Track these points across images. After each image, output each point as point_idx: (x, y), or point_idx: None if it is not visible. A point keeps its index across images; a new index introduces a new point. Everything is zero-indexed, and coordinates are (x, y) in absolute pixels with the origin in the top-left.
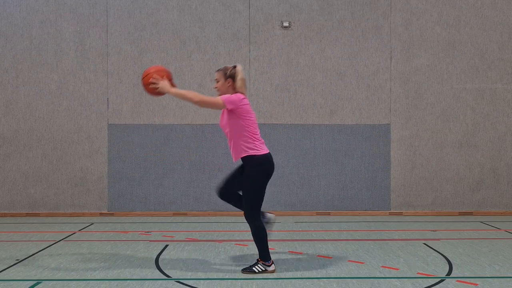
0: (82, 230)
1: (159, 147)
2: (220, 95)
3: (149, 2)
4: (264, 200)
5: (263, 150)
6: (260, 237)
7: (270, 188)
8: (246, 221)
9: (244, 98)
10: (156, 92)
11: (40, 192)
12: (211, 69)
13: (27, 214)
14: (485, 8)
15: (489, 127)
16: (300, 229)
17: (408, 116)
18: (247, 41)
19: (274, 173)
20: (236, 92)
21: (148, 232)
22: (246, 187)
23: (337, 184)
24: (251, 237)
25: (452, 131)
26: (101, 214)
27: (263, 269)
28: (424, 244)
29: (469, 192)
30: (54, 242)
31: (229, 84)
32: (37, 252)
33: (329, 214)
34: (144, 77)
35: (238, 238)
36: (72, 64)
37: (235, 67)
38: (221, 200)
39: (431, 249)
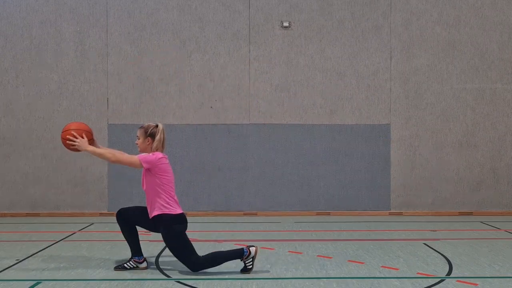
0: (82, 230)
1: None
2: (140, 151)
3: (149, 2)
4: (265, 200)
5: (177, 210)
6: (216, 261)
7: (270, 188)
8: (196, 272)
9: (162, 157)
10: (73, 149)
11: (40, 192)
12: (211, 69)
13: (27, 214)
14: (485, 8)
15: (489, 127)
16: (300, 229)
17: (408, 116)
18: (247, 41)
19: (274, 173)
20: (155, 151)
21: (148, 232)
22: (173, 246)
23: (337, 184)
24: (251, 237)
25: (452, 131)
26: (101, 214)
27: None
28: (424, 244)
29: (469, 192)
30: (54, 242)
31: (148, 143)
32: (37, 252)
33: (329, 214)
34: (63, 132)
35: (238, 238)
36: (72, 64)
37: (156, 126)
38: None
39: (431, 249)
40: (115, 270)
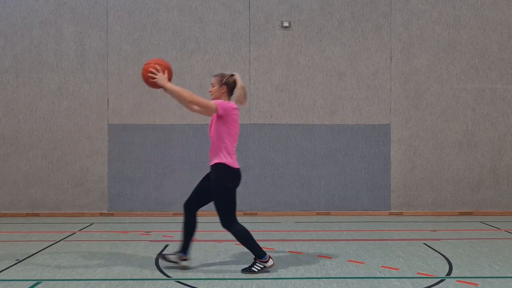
0: (82, 230)
1: (159, 147)
2: (212, 99)
3: (149, 2)
4: (266, 200)
5: (235, 164)
6: (245, 239)
7: (271, 188)
8: (225, 229)
9: (236, 109)
10: (152, 82)
11: (40, 192)
12: (211, 69)
13: (27, 214)
14: (485, 8)
15: (489, 127)
16: (300, 229)
17: (408, 116)
18: (247, 41)
19: (275, 173)
20: (230, 100)
21: (148, 232)
22: (216, 195)
23: (337, 184)
24: None
25: (452, 131)
26: (101, 214)
27: (262, 266)
28: (424, 244)
29: (469, 192)
30: (54, 242)
31: (223, 91)
32: (37, 252)
33: (329, 214)
34: (146, 64)
35: None
36: (72, 64)
37: (232, 75)
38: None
39: (431, 249)
40: (242, 272)
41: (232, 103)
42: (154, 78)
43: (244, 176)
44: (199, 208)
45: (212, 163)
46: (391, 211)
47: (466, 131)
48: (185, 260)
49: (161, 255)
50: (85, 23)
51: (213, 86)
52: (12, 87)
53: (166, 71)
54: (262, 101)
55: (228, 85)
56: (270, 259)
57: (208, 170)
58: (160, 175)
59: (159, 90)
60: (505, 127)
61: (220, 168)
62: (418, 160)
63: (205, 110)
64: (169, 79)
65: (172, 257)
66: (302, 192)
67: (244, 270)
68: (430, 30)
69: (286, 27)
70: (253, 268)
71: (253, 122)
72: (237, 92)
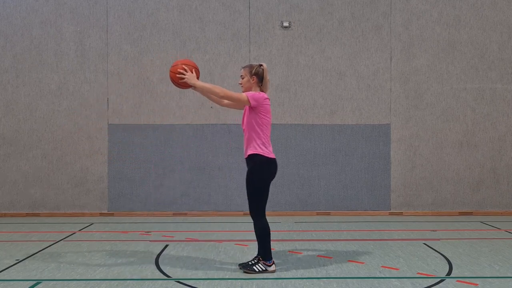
0: (82, 230)
1: (159, 147)
2: (244, 91)
3: (149, 2)
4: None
5: (271, 154)
6: (264, 236)
7: (271, 188)
8: (251, 219)
9: (267, 99)
10: (182, 82)
11: (40, 192)
12: (211, 69)
13: (27, 214)
14: (485, 8)
15: (489, 127)
16: (300, 229)
17: (408, 116)
18: (247, 41)
19: None
20: (260, 91)
21: (148, 232)
22: (249, 185)
23: (337, 184)
24: (251, 237)
25: (452, 131)
26: (101, 214)
27: (264, 268)
28: (424, 244)
29: (469, 192)
30: (54, 242)
31: (253, 81)
32: (37, 252)
33: (329, 214)
34: (173, 66)
35: (238, 238)
36: (72, 64)
37: (261, 65)
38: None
39: (431, 249)
40: (243, 271)
41: (263, 93)
42: (183, 79)
43: (244, 176)
44: (265, 207)
45: (247, 154)
46: (391, 211)
47: (466, 131)
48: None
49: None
50: (85, 23)
51: (243, 78)
52: (12, 87)
53: (194, 70)
54: None
55: (258, 75)
56: (274, 264)
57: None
58: (160, 175)
59: (159, 91)
60: (505, 127)
61: (255, 159)
62: (418, 160)
63: (237, 103)
64: (197, 78)
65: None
66: (302, 192)
67: (244, 267)
68: (430, 30)
69: (286, 27)
70: (254, 267)
71: None
72: (264, 84)
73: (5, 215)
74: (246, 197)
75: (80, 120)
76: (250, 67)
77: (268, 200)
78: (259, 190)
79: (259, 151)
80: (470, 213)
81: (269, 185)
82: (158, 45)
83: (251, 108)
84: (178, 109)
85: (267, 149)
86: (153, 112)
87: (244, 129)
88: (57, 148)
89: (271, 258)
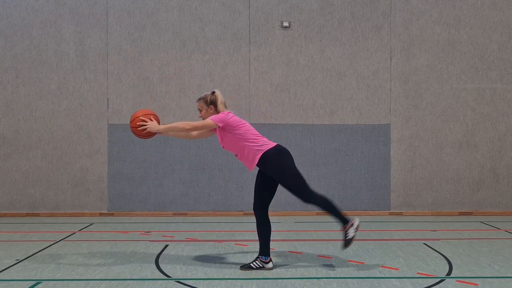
0: (82, 230)
1: (159, 147)
2: None
3: (149, 2)
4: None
5: (271, 143)
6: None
7: None
8: (254, 215)
9: (229, 113)
10: (145, 133)
11: (40, 192)
12: (211, 69)
13: (27, 214)
14: (485, 8)
15: (489, 127)
16: (300, 229)
17: (408, 116)
18: (247, 41)
19: None
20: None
21: (148, 232)
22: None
23: (337, 184)
24: (251, 237)
25: (452, 131)
26: (101, 214)
27: (261, 265)
28: (424, 244)
29: (469, 192)
30: (54, 242)
31: (211, 111)
32: (37, 252)
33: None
34: (132, 121)
35: (238, 238)
36: (72, 64)
37: (213, 92)
38: (221, 202)
39: (431, 249)
40: (241, 269)
41: (223, 112)
42: (145, 129)
43: (244, 176)
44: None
45: (256, 162)
46: (391, 211)
47: (466, 131)
48: (269, 262)
49: (242, 267)
50: (85, 23)
51: (201, 111)
52: (12, 87)
53: (152, 117)
54: (262, 101)
55: (214, 103)
56: (271, 262)
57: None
58: (160, 175)
59: (159, 91)
60: (505, 127)
61: (267, 158)
62: (418, 160)
63: (206, 129)
64: (158, 123)
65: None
66: None
67: (242, 266)
68: (430, 30)
69: (286, 27)
70: (251, 264)
71: (253, 122)
72: (219, 108)
73: (5, 215)
74: (245, 197)
75: (80, 120)
76: (204, 98)
77: (271, 200)
78: (294, 176)
79: (261, 150)
80: (470, 213)
81: (296, 167)
82: (158, 45)
83: (223, 129)
84: (178, 109)
85: (265, 143)
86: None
87: (232, 150)
88: (57, 148)
89: (269, 255)
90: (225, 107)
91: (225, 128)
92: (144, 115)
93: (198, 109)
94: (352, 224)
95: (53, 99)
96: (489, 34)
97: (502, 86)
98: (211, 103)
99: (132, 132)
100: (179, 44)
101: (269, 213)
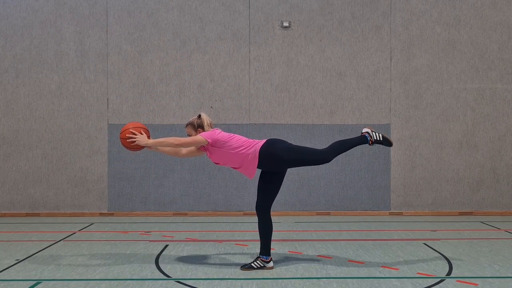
0: (82, 230)
1: None
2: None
3: (149, 2)
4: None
5: (262, 141)
6: (266, 230)
7: None
8: (251, 219)
9: (216, 129)
10: (134, 145)
11: (40, 192)
12: (211, 69)
13: (27, 214)
14: (485, 8)
15: (489, 127)
16: (300, 229)
17: (408, 116)
18: (247, 41)
19: None
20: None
21: (148, 232)
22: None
23: (337, 184)
24: (251, 237)
25: (452, 131)
26: (101, 214)
27: (262, 265)
28: (424, 244)
29: (469, 192)
30: (54, 242)
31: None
32: (37, 252)
33: (329, 214)
34: (121, 132)
35: (238, 238)
36: (72, 64)
37: (199, 116)
38: (223, 201)
39: (431, 249)
40: (241, 269)
41: (211, 130)
42: (134, 142)
43: (244, 176)
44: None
45: (256, 164)
46: (391, 211)
47: (466, 131)
48: (270, 261)
49: (242, 267)
50: (85, 23)
51: (190, 135)
52: (12, 87)
53: (142, 131)
54: (262, 101)
55: (202, 126)
56: (271, 261)
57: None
58: (160, 175)
59: (158, 91)
60: (505, 127)
61: (265, 154)
62: (418, 160)
63: (195, 145)
64: (148, 137)
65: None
66: (302, 192)
67: (243, 266)
68: (430, 30)
69: (286, 27)
70: (252, 264)
71: (253, 122)
72: (205, 129)
73: (5, 215)
74: (245, 197)
75: (80, 120)
76: (192, 123)
77: (274, 200)
78: (297, 150)
79: (256, 150)
80: (470, 213)
81: (292, 145)
82: (158, 45)
83: (212, 145)
84: (178, 109)
85: (256, 143)
86: (153, 112)
87: (225, 164)
88: (57, 148)
89: (269, 255)
90: (212, 128)
91: (215, 145)
92: (135, 127)
93: (187, 134)
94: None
95: (53, 99)
96: (489, 34)
97: (502, 86)
98: (198, 127)
99: (121, 143)
100: (179, 44)
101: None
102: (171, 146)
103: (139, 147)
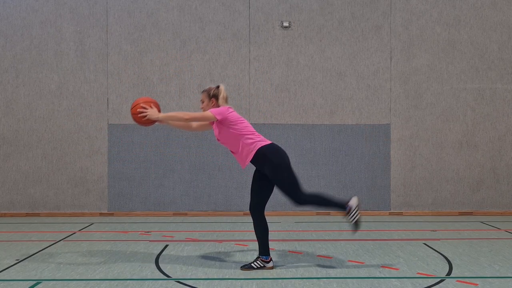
0: (82, 230)
1: (159, 147)
2: None
3: (149, 2)
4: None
5: (267, 141)
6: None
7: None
8: (251, 215)
9: (229, 108)
10: (145, 120)
11: (40, 192)
12: (211, 69)
13: (27, 214)
14: (485, 8)
15: (489, 127)
16: (300, 229)
17: (408, 116)
18: (247, 41)
19: None
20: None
21: (148, 232)
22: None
23: (337, 184)
24: (251, 237)
25: (452, 131)
26: (101, 214)
27: (262, 265)
28: (424, 244)
29: (469, 192)
30: (54, 242)
31: (213, 104)
32: (37, 252)
33: (329, 214)
34: (132, 107)
35: (238, 238)
36: (72, 64)
37: (218, 87)
38: (222, 201)
39: (431, 249)
40: (241, 269)
41: (223, 106)
42: (145, 116)
43: (244, 176)
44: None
45: (250, 158)
46: (391, 211)
47: (466, 131)
48: (270, 261)
49: (242, 267)
50: (85, 23)
51: (203, 102)
52: (12, 87)
53: (152, 105)
54: (262, 101)
55: (216, 97)
56: (271, 261)
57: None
58: (160, 175)
59: (158, 91)
60: (505, 127)
61: (263, 155)
62: (418, 160)
63: (204, 121)
64: (158, 111)
65: (255, 264)
66: None
67: (243, 266)
68: (430, 30)
69: (286, 27)
70: (252, 264)
71: (252, 122)
72: (219, 102)
73: (5, 215)
74: (245, 197)
75: (80, 120)
76: (208, 90)
77: (268, 200)
78: (291, 176)
79: (256, 146)
80: (470, 213)
81: (292, 168)
82: (158, 45)
83: (221, 123)
84: (178, 109)
85: (260, 139)
86: None
87: (226, 144)
88: (57, 148)
89: (269, 255)
90: (226, 103)
91: (223, 122)
92: (145, 102)
93: (201, 100)
94: (350, 208)
95: (53, 99)
96: (489, 34)
97: (502, 86)
98: (213, 96)
99: (133, 118)
100: (179, 44)
101: (269, 213)
102: (181, 121)
103: (151, 122)
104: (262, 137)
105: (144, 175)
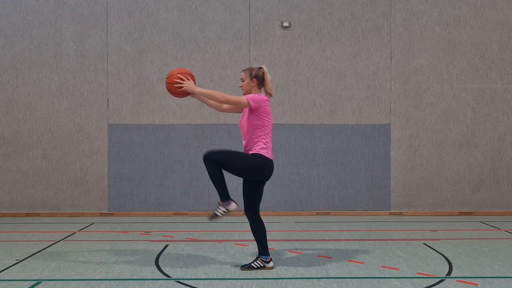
0: (82, 230)
1: (159, 147)
2: (244, 94)
3: (149, 2)
4: (265, 200)
5: (270, 155)
6: (260, 232)
7: (271, 188)
8: (246, 218)
9: (267, 100)
10: (181, 91)
11: (40, 192)
12: (211, 69)
13: (27, 214)
14: (485, 8)
15: (489, 127)
16: (300, 229)
17: (408, 116)
18: (247, 41)
19: (274, 173)
20: (260, 93)
21: (148, 232)
22: (246, 183)
23: (337, 184)
24: (251, 237)
25: (452, 131)
26: (101, 214)
27: (262, 265)
28: (424, 244)
29: (469, 192)
30: (54, 242)
31: (253, 84)
32: (37, 252)
33: (329, 214)
34: (168, 77)
35: (238, 238)
36: (72, 64)
37: (260, 68)
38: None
39: (431, 249)
40: (241, 269)
41: (262, 96)
42: (181, 87)
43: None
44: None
45: (249, 153)
46: (391, 211)
47: (466, 131)
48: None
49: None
50: (85, 23)
51: (243, 81)
52: (12, 87)
53: (189, 77)
54: None
55: (258, 78)
56: (271, 261)
57: None
58: (160, 175)
59: (159, 91)
60: (505, 127)
61: (256, 158)
62: (418, 160)
63: (238, 106)
64: (194, 84)
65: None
66: (302, 192)
67: (243, 266)
68: (430, 30)
69: (286, 27)
70: (252, 264)
71: None
72: (266, 85)
73: (5, 215)
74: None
75: (80, 120)
76: (250, 70)
77: (268, 200)
78: (255, 189)
79: (261, 151)
80: (470, 213)
81: (262, 185)
82: (158, 45)
83: (251, 111)
84: (178, 109)
85: (267, 150)
86: (153, 112)
87: (244, 132)
88: (57, 148)
89: (269, 255)
90: (269, 86)
91: (254, 111)
92: (182, 73)
93: (241, 78)
94: (226, 205)
95: (53, 99)
96: (489, 34)
97: (502, 86)
98: (255, 77)
99: (167, 88)
100: (179, 44)
101: (269, 213)
102: (215, 101)
103: (185, 93)
104: (271, 147)
105: (144, 175)
